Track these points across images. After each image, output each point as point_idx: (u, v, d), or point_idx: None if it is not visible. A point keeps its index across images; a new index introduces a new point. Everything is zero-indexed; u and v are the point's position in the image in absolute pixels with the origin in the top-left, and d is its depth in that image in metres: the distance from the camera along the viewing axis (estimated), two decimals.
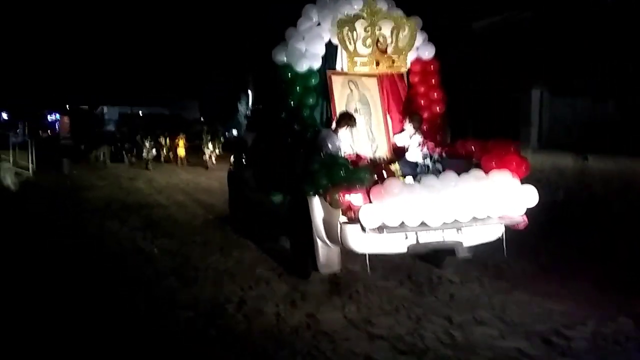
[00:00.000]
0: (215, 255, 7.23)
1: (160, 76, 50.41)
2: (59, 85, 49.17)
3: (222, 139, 21.35)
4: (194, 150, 21.88)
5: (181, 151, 21.06)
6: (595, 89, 10.84)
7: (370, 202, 5.04)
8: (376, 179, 5.27)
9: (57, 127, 47.52)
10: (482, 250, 6.04)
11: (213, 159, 19.94)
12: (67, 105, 49.68)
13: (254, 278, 6.21)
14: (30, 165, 18.35)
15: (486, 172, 5.61)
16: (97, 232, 8.94)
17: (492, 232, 5.69)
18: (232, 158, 9.69)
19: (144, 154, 20.61)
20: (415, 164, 6.51)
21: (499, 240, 5.68)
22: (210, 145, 19.96)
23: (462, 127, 13.92)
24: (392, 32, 6.56)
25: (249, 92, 46.04)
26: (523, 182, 5.63)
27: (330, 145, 5.85)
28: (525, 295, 5.51)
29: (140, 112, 47.64)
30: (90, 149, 22.33)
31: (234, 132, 48.70)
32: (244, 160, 8.79)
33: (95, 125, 32.78)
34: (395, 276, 6.19)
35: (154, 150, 20.84)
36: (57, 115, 50.22)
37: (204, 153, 20.03)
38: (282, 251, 7.19)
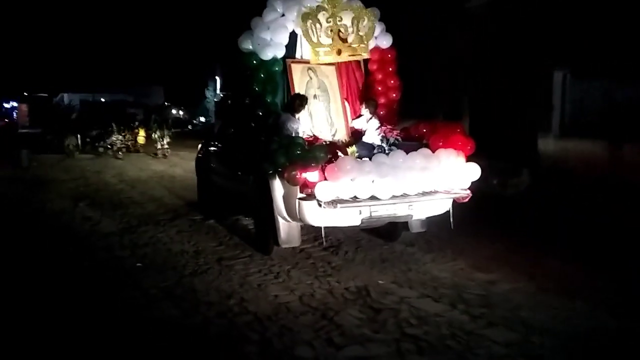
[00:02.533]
0: (213, 271, 6.28)
1: (123, 61, 50.36)
2: (15, 71, 48.78)
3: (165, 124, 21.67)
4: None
5: (140, 139, 21.91)
6: (623, 70, 10.28)
7: (325, 179, 5.80)
8: (331, 157, 6.01)
9: (14, 115, 47.02)
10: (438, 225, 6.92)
11: (165, 146, 20.24)
12: (25, 93, 49.26)
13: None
14: None
15: (433, 150, 6.43)
16: (64, 240, 7.78)
17: (440, 205, 6.53)
18: (199, 145, 10.38)
19: (115, 143, 20.78)
20: (372, 146, 7.28)
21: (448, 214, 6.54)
22: (159, 133, 20.38)
23: (477, 111, 13.87)
24: (352, 22, 7.29)
25: (217, 78, 46.50)
26: (469, 159, 6.48)
27: (288, 128, 6.60)
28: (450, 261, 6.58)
29: (102, 99, 47.66)
30: (60, 138, 21.90)
31: (202, 118, 49.20)
32: (211, 146, 9.45)
33: (61, 114, 32.68)
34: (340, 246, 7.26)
35: (120, 139, 21.10)
36: (14, 104, 49.64)
37: (156, 142, 20.44)
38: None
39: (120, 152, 20.37)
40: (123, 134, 21.50)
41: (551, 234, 7.79)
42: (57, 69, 46.38)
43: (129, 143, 21.91)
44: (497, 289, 5.57)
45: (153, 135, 20.69)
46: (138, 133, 22.05)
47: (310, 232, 7.42)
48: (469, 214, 7.01)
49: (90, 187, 12.98)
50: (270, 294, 5.50)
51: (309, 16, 7.07)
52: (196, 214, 9.34)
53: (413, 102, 14.52)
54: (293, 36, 7.33)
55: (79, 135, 22.11)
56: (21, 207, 10.40)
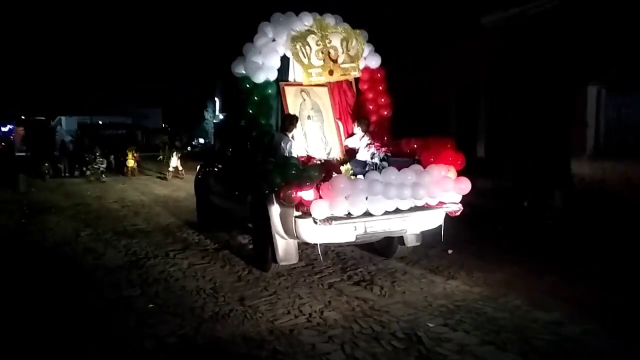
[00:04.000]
0: (236, 314, 5.63)
1: (121, 84, 50.88)
2: (13, 94, 49.22)
3: (182, 147, 22.16)
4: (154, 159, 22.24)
5: (130, 162, 22.19)
6: None
7: (320, 197, 6.05)
8: (325, 176, 6.24)
9: (12, 138, 47.46)
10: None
11: (179, 168, 20.54)
12: (22, 116, 49.72)
13: None
14: None
15: (425, 166, 6.70)
16: (67, 277, 7.20)
17: (433, 220, 6.79)
18: (198, 166, 10.69)
19: (98, 165, 20.99)
20: (365, 163, 7.56)
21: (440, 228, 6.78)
22: (174, 156, 20.67)
23: (495, 131, 13.48)
24: (341, 44, 7.73)
25: (216, 99, 47.01)
26: (459, 173, 6.74)
27: (283, 147, 6.89)
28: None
29: (100, 122, 48.15)
30: (52, 162, 22.72)
31: (201, 140, 49.62)
32: (210, 167, 9.75)
33: (50, 137, 33.15)
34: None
35: (104, 163, 21.40)
36: (11, 126, 50.07)
37: (169, 165, 20.79)
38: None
39: (103, 176, 20.55)
40: (106, 158, 21.91)
41: (601, 263, 7.20)
42: (55, 92, 46.87)
43: (116, 167, 22.41)
44: (566, 331, 4.94)
45: (167, 158, 20.98)
46: (127, 156, 22.39)
47: (336, 263, 7.41)
48: (505, 239, 7.28)
49: (92, 213, 12.56)
50: (306, 342, 4.81)
51: (298, 39, 7.48)
52: (207, 244, 8.85)
53: (426, 122, 14.56)
54: (285, 60, 7.69)
55: (66, 159, 22.90)
56: (20, 237, 9.91)
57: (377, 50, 8.29)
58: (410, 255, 7.57)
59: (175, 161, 20.58)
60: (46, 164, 21.82)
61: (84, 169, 21.56)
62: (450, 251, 7.77)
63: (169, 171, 20.64)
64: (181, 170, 20.38)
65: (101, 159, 21.05)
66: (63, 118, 49.01)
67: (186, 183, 17.14)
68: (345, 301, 5.92)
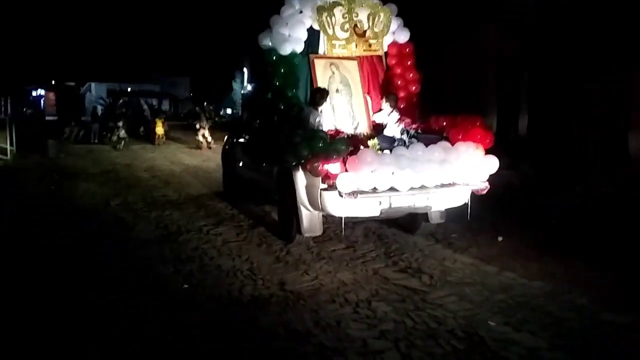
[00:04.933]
0: (277, 299, 5.26)
1: (150, 52, 51.16)
2: (45, 60, 49.76)
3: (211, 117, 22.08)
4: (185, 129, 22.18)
5: (159, 130, 22.19)
6: None
7: (346, 170, 6.11)
8: (352, 150, 6.30)
9: (42, 104, 48.03)
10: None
11: (208, 138, 20.44)
12: (53, 81, 50.24)
13: None
14: (9, 148, 16.74)
15: (453, 143, 6.69)
16: (98, 251, 6.84)
17: (459, 197, 6.80)
18: (225, 137, 10.82)
19: (119, 134, 20.97)
20: (393, 139, 7.57)
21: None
22: (205, 125, 20.61)
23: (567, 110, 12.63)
24: (368, 18, 7.76)
25: (244, 70, 47.00)
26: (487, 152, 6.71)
27: (311, 121, 6.93)
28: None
29: (129, 88, 48.58)
30: (81, 127, 23.03)
31: (229, 111, 49.81)
32: (236, 138, 9.86)
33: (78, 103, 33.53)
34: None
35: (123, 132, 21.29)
36: (42, 92, 50.66)
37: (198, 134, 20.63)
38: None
39: (122, 143, 20.42)
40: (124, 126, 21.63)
41: None
42: (85, 58, 47.25)
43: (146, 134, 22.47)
44: None
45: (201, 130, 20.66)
46: (157, 124, 22.48)
47: (379, 247, 7.03)
48: (559, 228, 7.13)
49: (121, 182, 12.35)
50: (356, 337, 4.39)
51: (324, 10, 7.54)
52: (242, 219, 8.53)
53: (466, 100, 14.36)
54: (315, 33, 7.71)
55: (97, 125, 23.01)
56: (49, 207, 9.53)
57: (408, 23, 8.24)
58: (459, 241, 7.23)
59: (204, 132, 20.54)
60: (71, 127, 22.18)
61: (109, 135, 21.65)
62: (500, 238, 7.31)
63: (199, 141, 20.51)
64: (210, 142, 20.36)
65: (122, 128, 21.04)
66: (93, 84, 49.52)
67: (215, 154, 15.69)
68: (393, 290, 5.50)
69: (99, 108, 28.23)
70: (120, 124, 21.09)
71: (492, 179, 6.73)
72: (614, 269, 6.11)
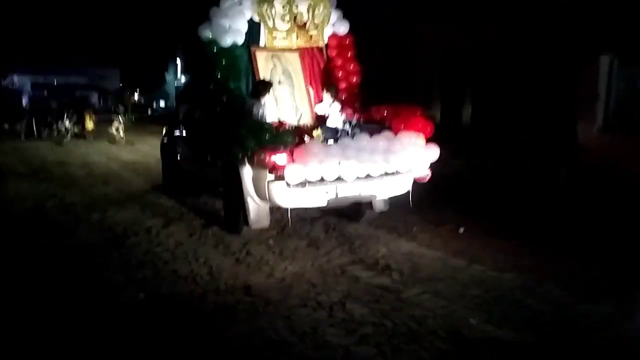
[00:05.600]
0: (245, 306, 4.90)
1: (77, 41, 49.29)
2: None
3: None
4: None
5: (89, 125, 21.50)
6: None
7: (294, 161, 6.21)
8: (298, 141, 6.43)
9: None
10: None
11: (121, 132, 20.02)
12: None
13: None
14: None
15: (395, 133, 6.90)
16: (33, 259, 6.22)
17: (402, 185, 7.02)
18: (164, 129, 10.67)
19: (66, 128, 20.73)
20: (336, 130, 7.70)
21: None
22: (120, 118, 20.36)
23: (510, 100, 12.82)
24: (308, 9, 7.86)
25: (178, 60, 46.14)
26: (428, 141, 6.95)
27: (255, 113, 6.97)
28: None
29: (55, 81, 46.83)
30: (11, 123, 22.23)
31: (162, 103, 48.83)
32: (176, 131, 9.76)
33: (9, 97, 32.13)
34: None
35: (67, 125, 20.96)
36: None
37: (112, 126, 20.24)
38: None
39: (68, 136, 20.16)
40: (72, 119, 21.31)
41: (614, 246, 6.61)
42: (6, 47, 44.73)
43: (76, 129, 21.68)
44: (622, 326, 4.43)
45: (115, 122, 20.30)
46: (86, 119, 21.73)
47: (342, 243, 6.78)
48: (513, 219, 7.30)
49: (55, 181, 11.50)
50: (337, 344, 4.12)
51: (264, 2, 7.59)
52: (192, 217, 8.07)
53: (414, 91, 14.50)
54: (256, 25, 7.73)
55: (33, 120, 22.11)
56: None
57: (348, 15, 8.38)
58: (423, 234, 7.09)
59: (116, 125, 20.08)
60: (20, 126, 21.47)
61: (51, 129, 21.06)
62: (462, 229, 7.26)
63: (111, 134, 20.03)
64: (122, 137, 19.81)
65: (65, 122, 20.66)
66: (15, 77, 47.43)
67: (154, 149, 13.98)
68: (365, 290, 5.24)
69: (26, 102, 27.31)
70: (66, 115, 20.69)
71: (439, 168, 7.00)
72: (572, 258, 6.12)
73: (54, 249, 6.64)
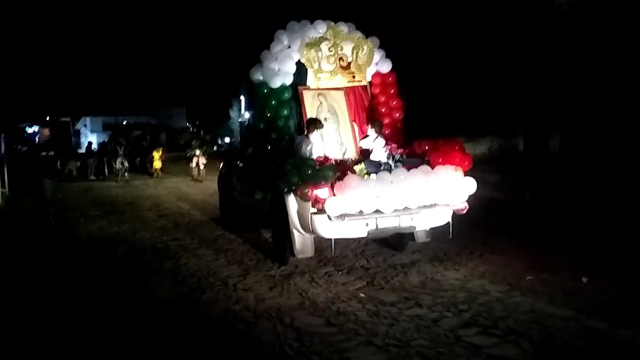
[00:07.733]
0: None
1: (145, 84, 52.06)
2: (39, 95, 50.40)
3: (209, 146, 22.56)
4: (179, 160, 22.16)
5: (157, 163, 22.46)
6: None
7: (334, 195, 6.69)
8: (340, 175, 6.87)
9: (36, 139, 48.60)
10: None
11: (201, 166, 20.42)
12: (47, 117, 50.80)
13: None
14: (1, 191, 15.79)
15: (433, 167, 7.28)
16: (102, 314, 5.88)
17: (441, 217, 7.37)
18: (221, 164, 11.49)
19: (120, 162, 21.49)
20: (379, 164, 8.11)
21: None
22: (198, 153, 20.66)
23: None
24: (352, 51, 8.44)
25: (242, 98, 47.80)
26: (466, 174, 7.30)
27: (303, 149, 7.51)
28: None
29: (125, 121, 49.35)
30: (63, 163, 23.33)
31: (226, 139, 50.53)
32: (233, 165, 10.49)
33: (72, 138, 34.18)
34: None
35: (126, 163, 21.78)
36: (37, 128, 51.12)
37: (192, 162, 20.70)
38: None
39: (126, 175, 21.18)
40: (126, 158, 22.05)
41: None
42: (79, 92, 47.93)
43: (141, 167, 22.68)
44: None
45: (195, 159, 20.59)
46: (154, 157, 22.68)
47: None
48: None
49: (125, 224, 11.42)
50: None
51: (312, 45, 8.21)
52: (270, 266, 7.67)
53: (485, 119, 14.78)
54: (304, 66, 8.35)
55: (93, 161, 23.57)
56: (46, 257, 8.67)
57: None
58: (542, 287, 6.31)
59: (196, 161, 20.52)
60: (72, 163, 22.80)
61: (107, 169, 22.11)
62: (585, 279, 6.46)
63: (192, 168, 20.70)
64: (202, 170, 20.30)
65: (123, 159, 21.58)
66: (88, 119, 50.32)
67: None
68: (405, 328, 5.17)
69: (95, 143, 28.91)
70: (120, 153, 21.64)
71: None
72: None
73: (124, 306, 6.14)
